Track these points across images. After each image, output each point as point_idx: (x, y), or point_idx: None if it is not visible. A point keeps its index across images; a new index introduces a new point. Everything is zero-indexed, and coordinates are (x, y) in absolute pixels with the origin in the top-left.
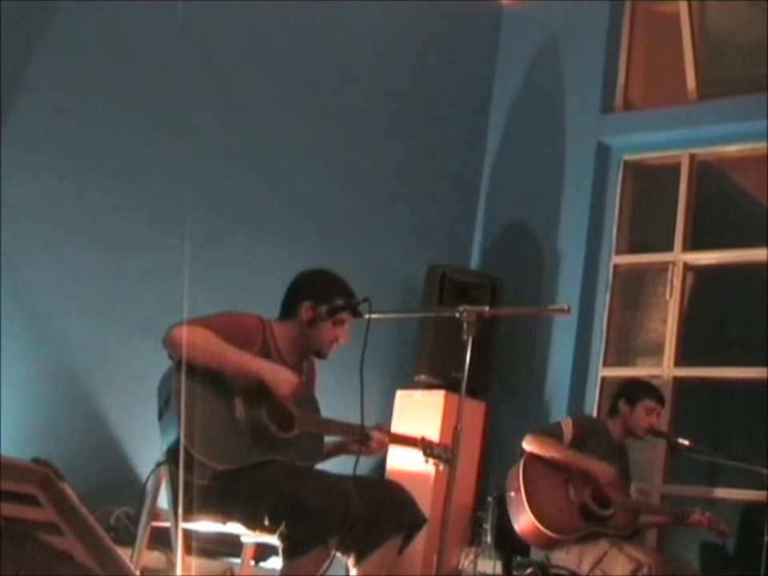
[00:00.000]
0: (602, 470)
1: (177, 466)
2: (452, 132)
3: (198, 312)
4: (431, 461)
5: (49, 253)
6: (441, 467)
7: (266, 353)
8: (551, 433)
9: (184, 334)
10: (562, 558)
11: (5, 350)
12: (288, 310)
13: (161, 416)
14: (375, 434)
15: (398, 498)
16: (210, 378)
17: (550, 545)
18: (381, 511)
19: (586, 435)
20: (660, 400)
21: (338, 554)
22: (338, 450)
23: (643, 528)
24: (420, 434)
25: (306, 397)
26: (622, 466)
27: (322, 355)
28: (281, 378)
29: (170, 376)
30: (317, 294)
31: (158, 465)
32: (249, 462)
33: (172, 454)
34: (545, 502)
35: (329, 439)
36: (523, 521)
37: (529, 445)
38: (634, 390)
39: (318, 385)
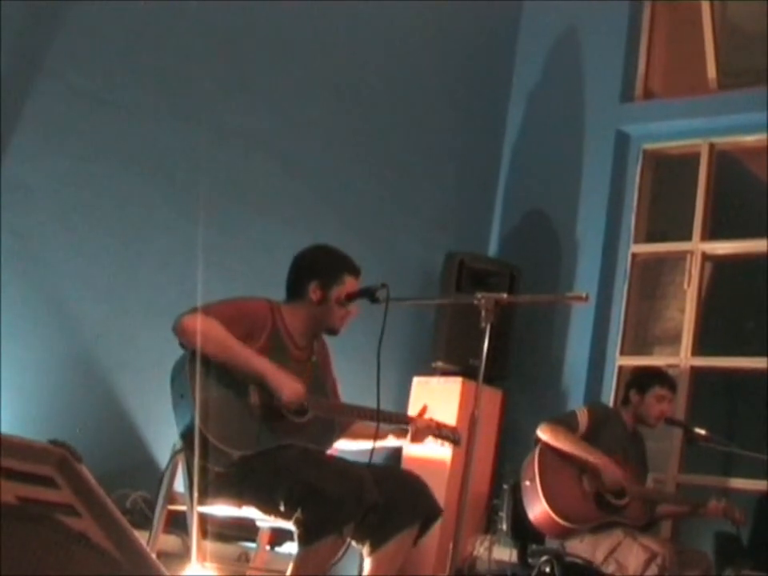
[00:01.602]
0: (610, 473)
1: (193, 452)
2: (471, 120)
3: (214, 297)
4: (439, 441)
5: (66, 236)
6: (447, 446)
7: (276, 336)
8: (566, 422)
9: (198, 322)
10: (576, 546)
11: (22, 333)
12: (295, 291)
13: (175, 402)
14: (418, 422)
15: (415, 488)
16: (222, 364)
17: (564, 534)
18: (397, 501)
19: (601, 424)
20: (671, 387)
21: (353, 543)
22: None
23: (660, 518)
24: (428, 416)
25: (319, 379)
26: (638, 455)
27: (334, 332)
28: (286, 384)
29: (182, 363)
30: (322, 272)
31: (176, 453)
32: (264, 448)
33: (188, 440)
34: (559, 491)
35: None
36: (537, 510)
37: (543, 433)
38: (644, 379)
39: (333, 363)
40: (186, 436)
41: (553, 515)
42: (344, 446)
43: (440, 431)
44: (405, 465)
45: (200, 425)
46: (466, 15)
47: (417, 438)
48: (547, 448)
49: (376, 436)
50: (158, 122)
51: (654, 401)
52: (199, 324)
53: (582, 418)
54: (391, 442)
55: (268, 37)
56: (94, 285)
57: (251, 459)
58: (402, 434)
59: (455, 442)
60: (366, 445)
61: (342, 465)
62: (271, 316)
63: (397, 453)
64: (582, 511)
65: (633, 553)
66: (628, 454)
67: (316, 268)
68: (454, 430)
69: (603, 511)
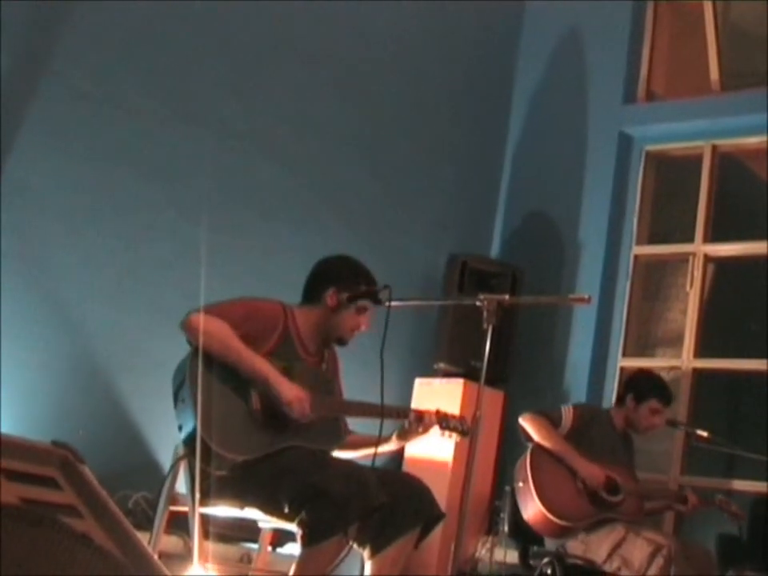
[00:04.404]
0: (590, 474)
1: (194, 456)
2: (474, 122)
3: (217, 299)
4: (447, 433)
5: (69, 238)
6: (456, 438)
7: (286, 339)
8: (549, 415)
9: (202, 322)
10: (577, 546)
11: (25, 334)
12: (311, 295)
13: (175, 404)
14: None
15: (417, 492)
16: (225, 367)
17: (560, 533)
18: (399, 504)
19: (587, 423)
20: (667, 401)
21: (355, 545)
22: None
23: (648, 513)
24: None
25: (328, 386)
26: (627, 454)
27: (343, 342)
28: (287, 388)
29: (184, 364)
30: (341, 280)
31: (179, 459)
32: (268, 451)
33: (190, 444)
34: (553, 490)
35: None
36: (532, 510)
37: (524, 421)
38: (644, 387)
39: (341, 372)
40: (189, 441)
41: (547, 514)
42: (344, 456)
43: (447, 422)
44: (406, 466)
45: (202, 431)
46: (469, 17)
47: (422, 430)
48: (540, 448)
49: (380, 432)
50: (161, 124)
51: (648, 412)
52: (203, 323)
53: (567, 416)
54: (394, 445)
55: (272, 40)
56: (97, 287)
57: (254, 461)
58: (404, 435)
59: (464, 432)
60: (367, 452)
61: (347, 466)
62: (283, 318)
63: (399, 453)
64: (576, 509)
65: (637, 547)
66: (617, 452)
67: (336, 275)
68: (461, 419)
69: (598, 508)
